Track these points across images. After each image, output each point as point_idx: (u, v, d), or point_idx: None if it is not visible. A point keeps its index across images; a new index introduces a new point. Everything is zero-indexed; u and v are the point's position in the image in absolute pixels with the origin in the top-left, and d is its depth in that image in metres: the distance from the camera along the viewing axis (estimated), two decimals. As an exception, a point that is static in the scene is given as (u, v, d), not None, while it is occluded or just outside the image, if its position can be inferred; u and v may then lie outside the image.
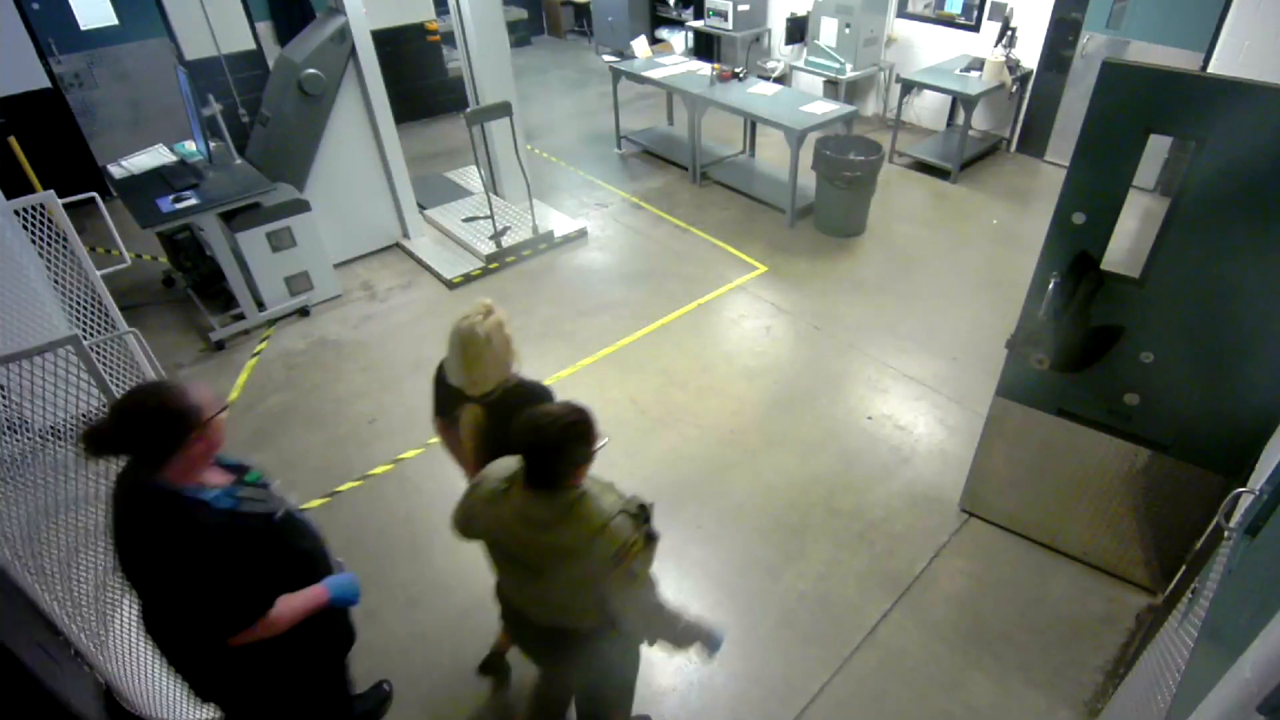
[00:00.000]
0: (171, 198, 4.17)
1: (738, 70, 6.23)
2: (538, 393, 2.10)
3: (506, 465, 1.75)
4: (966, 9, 6.60)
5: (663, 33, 9.50)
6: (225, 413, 1.67)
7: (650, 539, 1.65)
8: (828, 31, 6.82)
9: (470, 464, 2.14)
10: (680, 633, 1.81)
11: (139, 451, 1.57)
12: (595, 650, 1.85)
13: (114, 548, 1.62)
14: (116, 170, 4.61)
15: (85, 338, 1.90)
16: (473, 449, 2.10)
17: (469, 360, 2.01)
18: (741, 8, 7.67)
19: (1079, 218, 2.40)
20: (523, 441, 1.61)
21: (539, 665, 2.12)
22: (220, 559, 1.58)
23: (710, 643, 1.86)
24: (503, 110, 5.00)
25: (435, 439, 3.78)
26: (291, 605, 1.74)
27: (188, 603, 1.59)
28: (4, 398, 2.13)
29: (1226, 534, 1.87)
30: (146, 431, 1.53)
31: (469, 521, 1.83)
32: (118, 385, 2.55)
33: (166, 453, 1.56)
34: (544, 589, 1.72)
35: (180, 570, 1.56)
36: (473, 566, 3.17)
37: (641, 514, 1.66)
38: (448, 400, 2.15)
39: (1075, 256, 2.44)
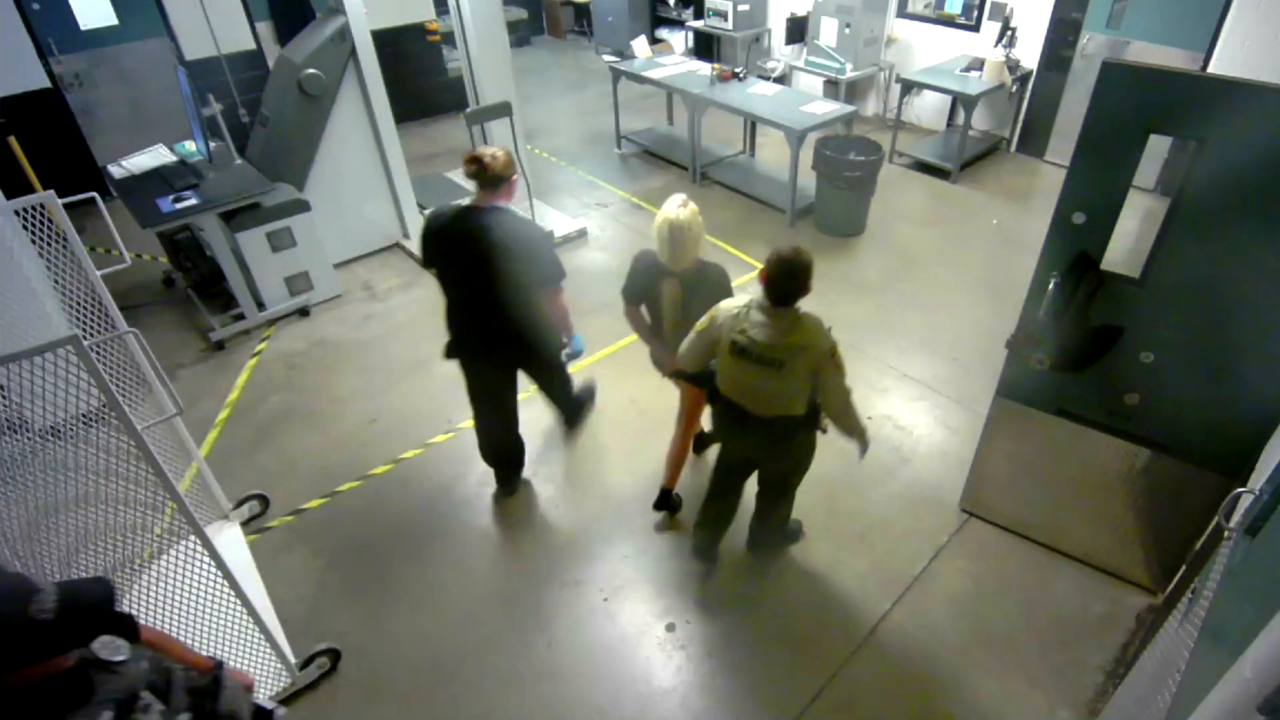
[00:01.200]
0: (171, 198, 4.17)
1: (738, 70, 6.23)
2: (718, 272, 2.83)
3: (729, 303, 2.51)
4: (966, 9, 6.61)
5: (663, 33, 9.50)
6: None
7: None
8: (828, 31, 6.82)
9: (661, 330, 2.93)
10: (860, 422, 2.59)
11: (493, 182, 2.66)
12: (798, 435, 2.61)
13: (466, 252, 2.69)
14: (116, 170, 4.61)
15: (85, 338, 1.89)
16: (669, 312, 2.84)
17: (674, 242, 2.68)
18: (741, 8, 7.67)
19: (1079, 218, 2.40)
20: (775, 270, 2.33)
21: (755, 454, 2.77)
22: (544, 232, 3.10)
23: (865, 446, 2.67)
24: (503, 110, 5.00)
25: (437, 439, 3.80)
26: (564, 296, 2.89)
27: (541, 256, 2.74)
28: (4, 398, 2.13)
29: (1226, 534, 1.87)
30: (503, 171, 2.66)
31: (705, 350, 2.57)
32: (118, 385, 2.55)
33: (504, 185, 2.69)
34: (780, 381, 2.42)
35: (533, 238, 2.76)
36: (473, 566, 3.18)
37: None
38: (645, 281, 2.86)
39: (1075, 256, 2.44)
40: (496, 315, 2.83)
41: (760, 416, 2.52)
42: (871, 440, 2.72)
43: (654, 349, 3.03)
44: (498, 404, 3.22)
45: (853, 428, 2.58)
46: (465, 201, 2.78)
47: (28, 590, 1.24)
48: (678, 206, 2.67)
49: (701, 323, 2.55)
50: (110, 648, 1.38)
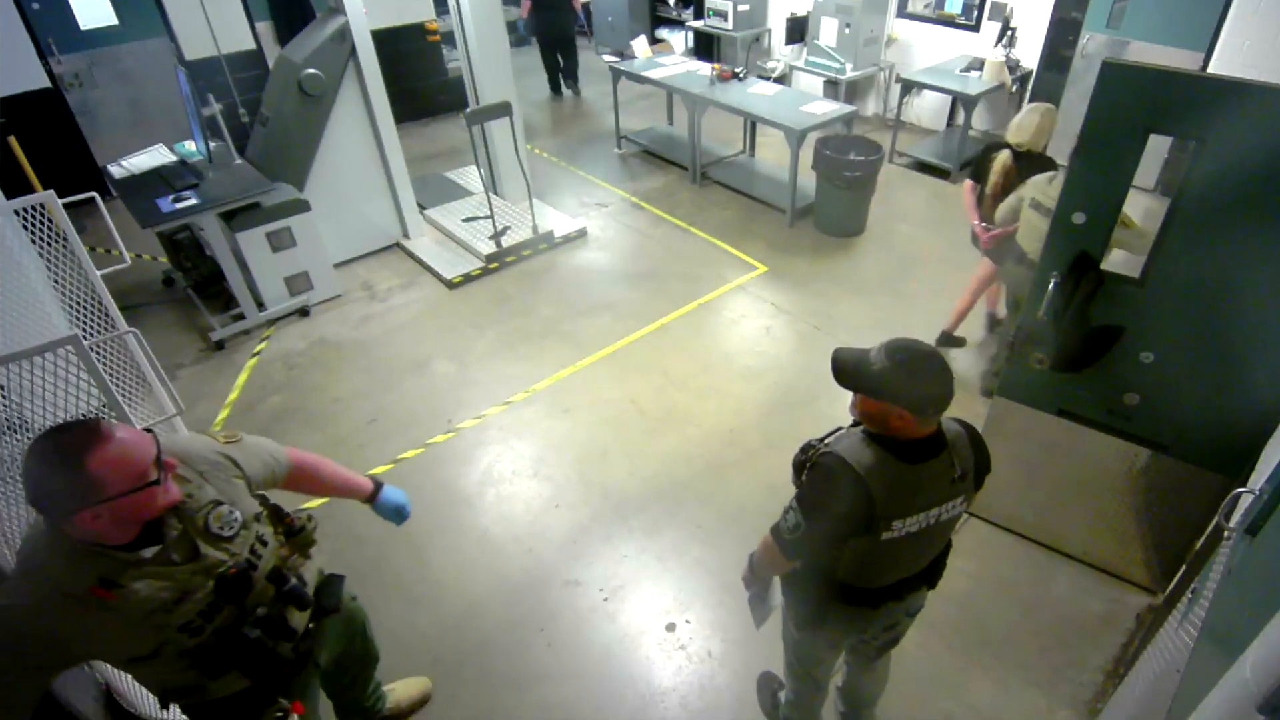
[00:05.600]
0: (171, 198, 4.17)
1: (738, 70, 6.23)
2: (1047, 159, 3.70)
3: (1040, 176, 3.38)
4: (966, 9, 6.60)
5: (663, 33, 9.50)
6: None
7: None
8: (828, 31, 6.82)
9: (987, 198, 3.82)
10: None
11: None
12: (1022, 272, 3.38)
13: None
14: (116, 170, 4.61)
15: (85, 338, 1.89)
16: (999, 177, 3.73)
17: (1029, 122, 3.61)
18: (741, 8, 7.67)
19: (1079, 218, 2.40)
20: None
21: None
22: None
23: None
24: (503, 110, 5.00)
25: (436, 439, 3.81)
26: None
27: None
28: (4, 398, 2.13)
29: (1226, 534, 1.87)
30: None
31: (1016, 207, 3.46)
32: (118, 385, 2.56)
33: None
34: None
35: None
36: (472, 566, 3.18)
37: None
38: (986, 161, 3.81)
39: (1075, 256, 2.44)
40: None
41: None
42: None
43: (975, 225, 3.86)
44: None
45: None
46: None
47: None
48: (1042, 109, 3.67)
49: (1017, 190, 3.50)
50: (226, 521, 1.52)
